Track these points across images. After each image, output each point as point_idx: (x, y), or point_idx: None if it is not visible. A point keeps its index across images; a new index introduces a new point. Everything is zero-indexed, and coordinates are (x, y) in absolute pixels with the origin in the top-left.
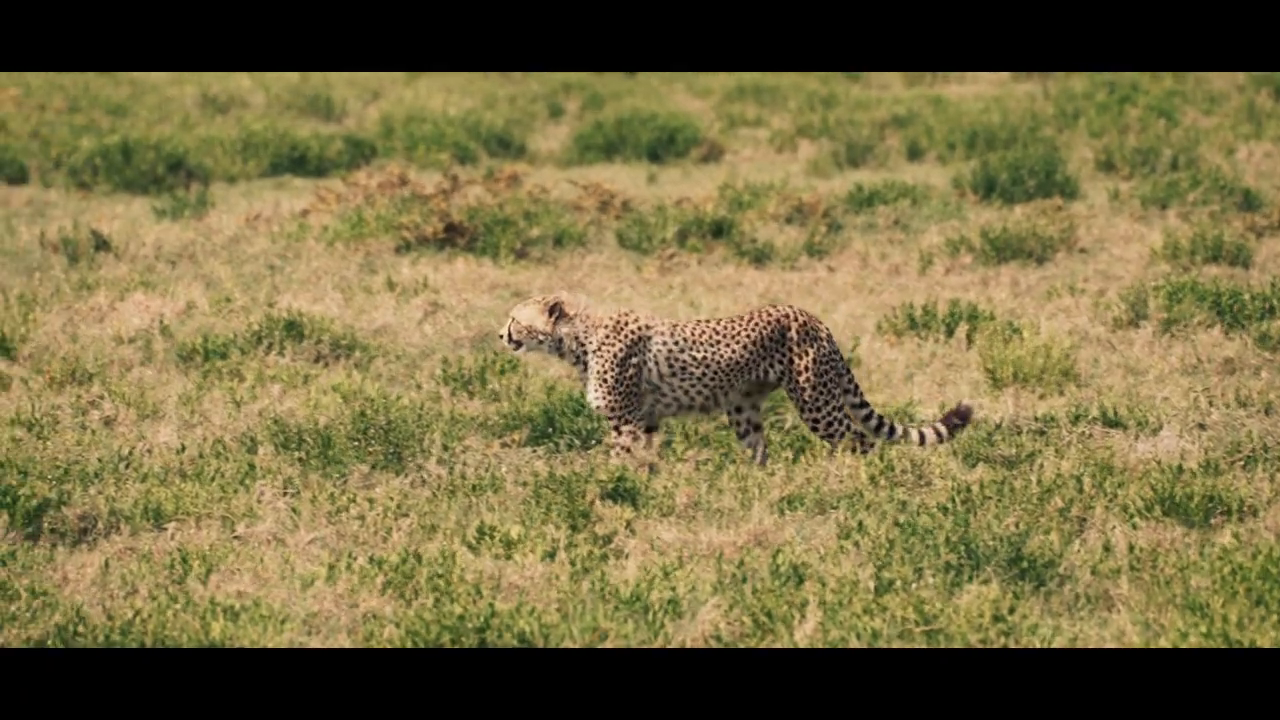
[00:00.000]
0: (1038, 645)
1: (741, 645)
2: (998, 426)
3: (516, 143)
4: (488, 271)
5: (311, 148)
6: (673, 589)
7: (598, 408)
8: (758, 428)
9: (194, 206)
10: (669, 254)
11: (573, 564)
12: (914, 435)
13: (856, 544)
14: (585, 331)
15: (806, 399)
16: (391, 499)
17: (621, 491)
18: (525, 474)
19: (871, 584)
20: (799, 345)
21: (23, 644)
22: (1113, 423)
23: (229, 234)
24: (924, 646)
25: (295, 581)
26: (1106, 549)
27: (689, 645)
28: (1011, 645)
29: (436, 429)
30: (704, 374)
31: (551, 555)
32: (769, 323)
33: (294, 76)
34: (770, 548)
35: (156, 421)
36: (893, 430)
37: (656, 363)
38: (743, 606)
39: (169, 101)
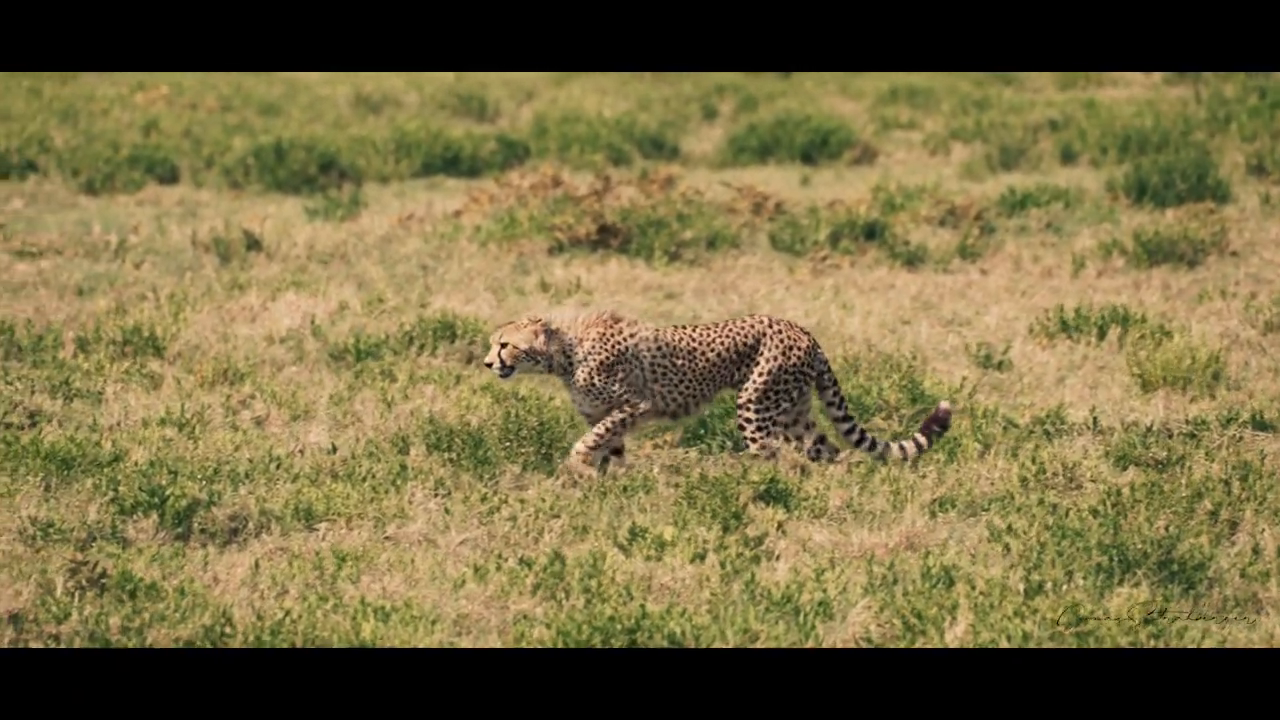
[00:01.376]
0: (1188, 647)
1: (891, 647)
2: (1149, 429)
3: (670, 144)
4: (641, 273)
5: (465, 148)
6: (824, 590)
7: (585, 414)
8: (809, 427)
9: (346, 206)
10: (821, 256)
11: (724, 565)
12: (895, 450)
13: (1007, 546)
14: (570, 345)
15: (749, 397)
16: (543, 500)
17: (773, 493)
18: (677, 475)
19: (1022, 586)
20: (768, 351)
21: (171, 644)
22: (1263, 426)
23: (381, 234)
24: (1074, 648)
25: (446, 582)
26: (1256, 551)
27: (839, 647)
28: (1161, 647)
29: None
30: (681, 380)
31: (702, 556)
32: (744, 330)
33: (448, 77)
34: (921, 550)
35: (308, 422)
36: (874, 445)
37: (642, 368)
38: (893, 609)
39: (322, 101)
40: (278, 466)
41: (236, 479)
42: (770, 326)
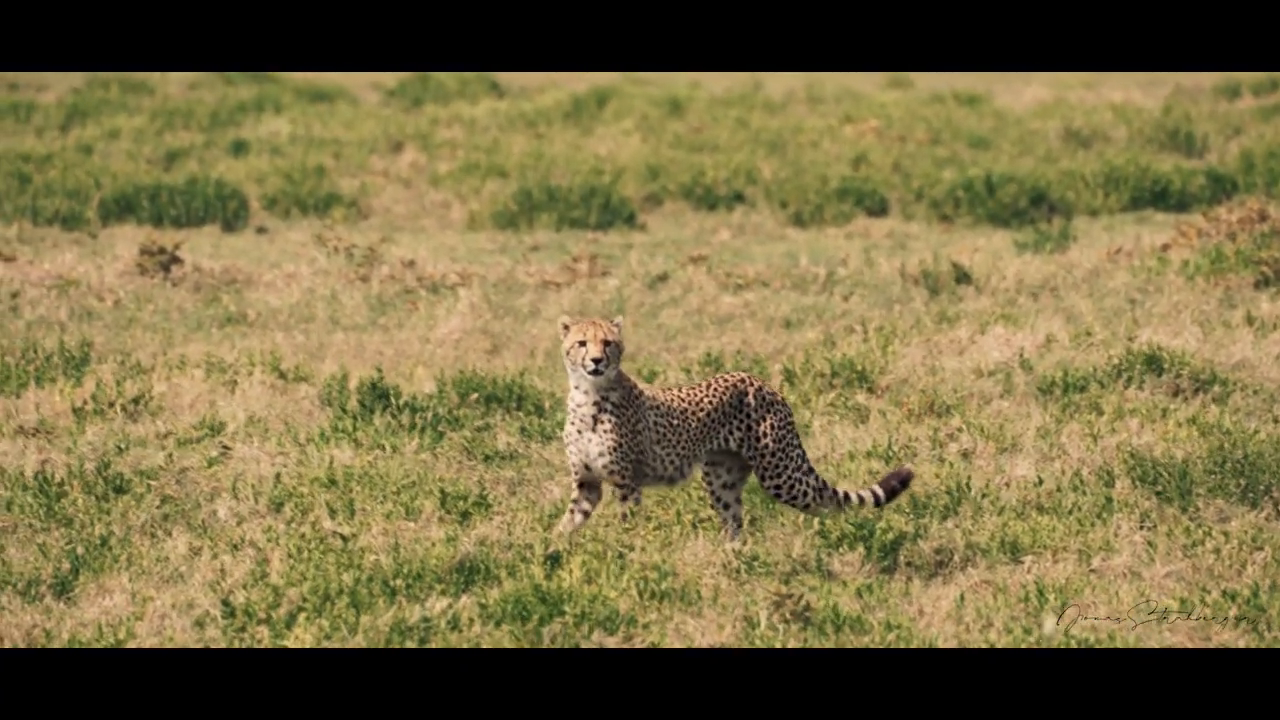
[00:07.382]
0: None
1: None
2: None
3: None
4: None
5: (1173, 182)
6: None
7: (611, 474)
8: (738, 501)
9: (1055, 239)
10: None
11: None
12: (854, 499)
13: None
14: (613, 380)
15: (768, 464)
16: (1246, 532)
17: None
18: None
19: None
20: (757, 411)
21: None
22: None
23: (1089, 267)
24: None
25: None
26: None
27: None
28: None
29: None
30: (677, 442)
31: None
32: (727, 388)
33: (1156, 110)
34: None
35: (1014, 454)
36: (835, 495)
37: (648, 427)
38: None
39: (1031, 135)
40: (984, 499)
41: (943, 512)
42: (751, 385)
